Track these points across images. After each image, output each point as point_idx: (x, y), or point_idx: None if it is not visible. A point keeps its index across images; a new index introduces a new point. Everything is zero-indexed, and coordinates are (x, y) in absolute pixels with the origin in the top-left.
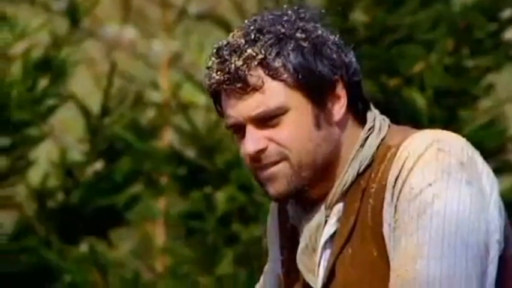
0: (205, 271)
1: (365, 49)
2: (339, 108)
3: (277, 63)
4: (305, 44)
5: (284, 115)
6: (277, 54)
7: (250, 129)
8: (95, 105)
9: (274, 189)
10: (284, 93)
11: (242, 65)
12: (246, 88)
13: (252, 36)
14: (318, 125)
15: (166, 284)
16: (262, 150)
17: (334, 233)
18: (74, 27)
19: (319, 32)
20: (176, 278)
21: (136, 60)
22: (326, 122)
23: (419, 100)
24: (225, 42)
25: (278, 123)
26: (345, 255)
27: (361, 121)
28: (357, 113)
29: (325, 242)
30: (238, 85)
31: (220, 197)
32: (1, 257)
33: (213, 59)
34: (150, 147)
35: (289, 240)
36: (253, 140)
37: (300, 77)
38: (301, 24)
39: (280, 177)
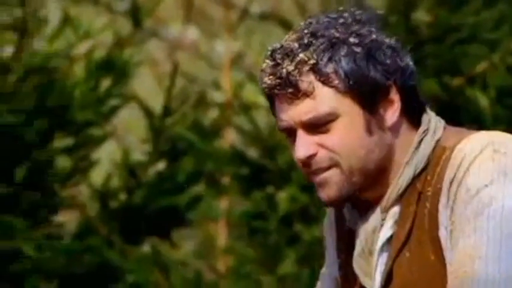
0: (267, 271)
1: (428, 48)
2: (392, 113)
3: (329, 69)
4: (358, 50)
5: (335, 121)
6: (329, 59)
7: (301, 134)
8: (157, 105)
9: (325, 194)
10: (335, 99)
11: (293, 70)
12: (297, 93)
13: (305, 41)
14: (369, 131)
15: (229, 284)
16: (312, 156)
17: (391, 236)
18: (137, 27)
19: (374, 36)
20: (238, 278)
21: (198, 61)
22: (378, 128)
23: (483, 100)
24: (278, 46)
25: (329, 129)
26: (402, 258)
27: (417, 124)
28: (412, 116)
29: (382, 246)
30: (290, 90)
31: (282, 197)
32: (64, 257)
33: (267, 61)
34: (213, 148)
35: (346, 243)
36: (303, 146)
37: (351, 83)
38: (356, 27)
39: (331, 183)
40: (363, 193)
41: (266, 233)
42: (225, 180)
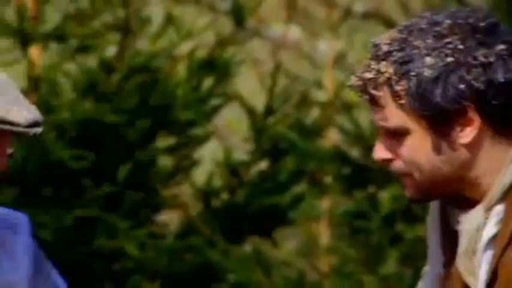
0: (369, 271)
1: None
2: (469, 132)
3: (400, 86)
4: (428, 72)
5: (405, 135)
6: (403, 75)
7: (381, 137)
8: (259, 104)
9: (407, 193)
10: (402, 117)
11: (371, 79)
12: (372, 102)
13: (392, 47)
14: (437, 150)
15: (331, 284)
16: (389, 160)
17: (495, 235)
18: (239, 27)
19: (456, 55)
20: (341, 277)
21: (301, 60)
22: (448, 147)
23: None
24: (377, 42)
25: (402, 140)
26: (507, 258)
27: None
28: (504, 126)
29: (486, 244)
30: (366, 97)
31: (385, 196)
32: (167, 256)
33: (368, 55)
34: (314, 147)
35: (451, 241)
36: (380, 149)
37: (416, 104)
38: (448, 39)
39: (407, 187)
40: (458, 194)
41: (368, 233)
42: (327, 179)
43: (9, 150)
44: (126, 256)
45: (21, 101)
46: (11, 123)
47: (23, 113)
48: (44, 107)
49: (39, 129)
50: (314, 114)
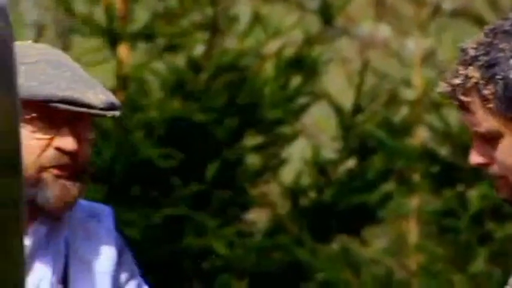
0: (458, 269)
1: None
2: None
3: (487, 91)
4: None
5: (498, 139)
6: (490, 79)
7: (474, 142)
8: (347, 103)
9: (500, 195)
10: (492, 120)
11: (459, 85)
12: (463, 108)
13: (479, 52)
14: None
15: (420, 282)
16: (485, 165)
17: None
18: (327, 25)
19: None
20: (429, 276)
21: (389, 58)
22: None
23: None
24: (465, 46)
25: (495, 144)
26: None
27: None
28: None
29: None
30: (456, 103)
31: (474, 194)
32: (255, 255)
33: (456, 53)
34: (403, 145)
35: None
36: (474, 154)
37: (504, 107)
38: None
39: (501, 189)
40: None
41: (457, 231)
42: (415, 177)
43: (90, 136)
44: (215, 254)
45: (98, 86)
46: (88, 106)
47: (99, 96)
48: (132, 105)
49: (116, 113)
50: (402, 112)
